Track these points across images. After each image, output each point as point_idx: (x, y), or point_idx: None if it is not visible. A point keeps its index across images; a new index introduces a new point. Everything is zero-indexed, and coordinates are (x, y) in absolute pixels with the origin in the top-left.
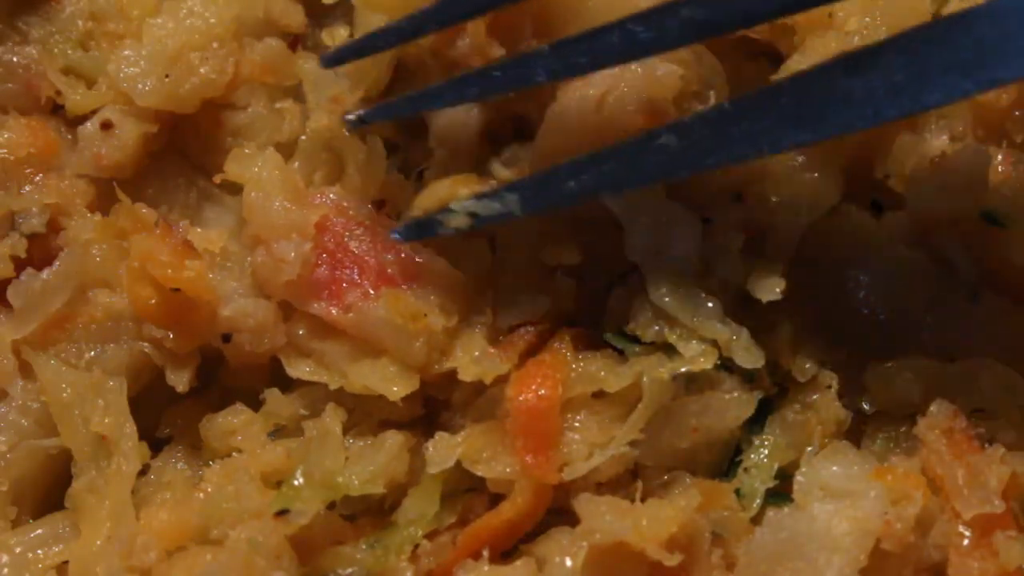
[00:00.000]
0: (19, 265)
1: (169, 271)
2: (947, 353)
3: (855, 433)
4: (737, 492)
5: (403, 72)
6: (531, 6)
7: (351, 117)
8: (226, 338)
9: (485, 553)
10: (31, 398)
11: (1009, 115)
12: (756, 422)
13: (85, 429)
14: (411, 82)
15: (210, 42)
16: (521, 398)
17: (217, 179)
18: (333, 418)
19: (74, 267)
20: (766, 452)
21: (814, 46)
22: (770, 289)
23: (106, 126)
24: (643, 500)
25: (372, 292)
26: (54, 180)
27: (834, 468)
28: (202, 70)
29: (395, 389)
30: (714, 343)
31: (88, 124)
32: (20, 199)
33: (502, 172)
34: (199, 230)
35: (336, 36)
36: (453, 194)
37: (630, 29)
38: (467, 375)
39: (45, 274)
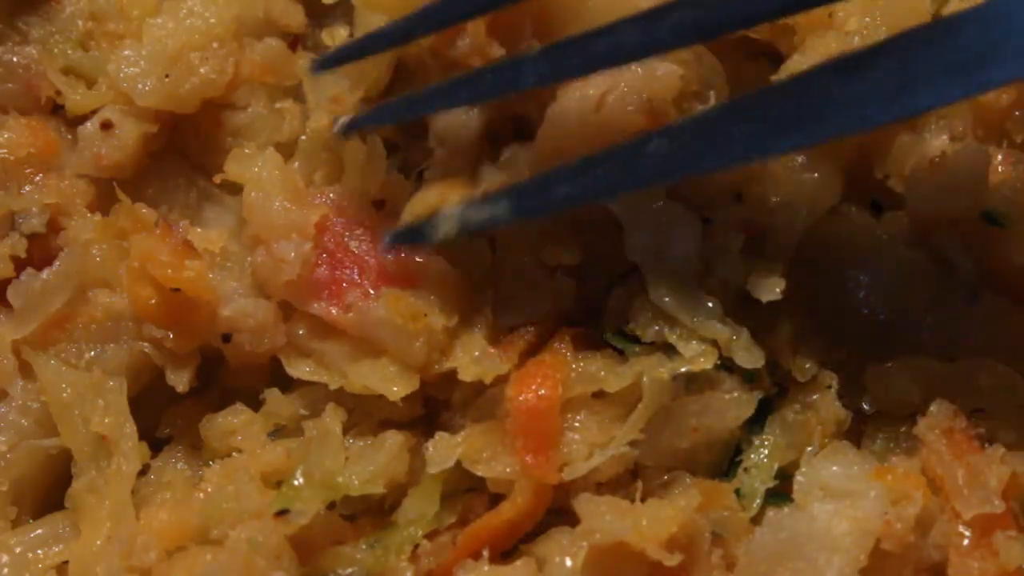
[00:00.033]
0: (19, 265)
1: (169, 271)
2: (947, 353)
3: (855, 433)
4: (737, 492)
5: (403, 72)
6: (531, 6)
7: (338, 127)
8: (226, 338)
9: (485, 553)
10: (31, 398)
11: (1009, 115)
12: (756, 422)
13: (85, 429)
14: (411, 82)
15: (210, 42)
16: (521, 398)
17: (217, 179)
18: (333, 418)
19: (74, 267)
20: (766, 452)
21: (814, 46)
22: (770, 289)
23: (106, 126)
24: (643, 500)
25: (372, 292)
26: (54, 180)
27: (834, 468)
28: (202, 70)
29: (395, 389)
30: (714, 343)
31: (88, 124)
32: (20, 199)
33: (493, 177)
34: (199, 230)
35: (336, 36)
36: (443, 200)
37: (621, 33)
38: (467, 375)
39: (45, 274)
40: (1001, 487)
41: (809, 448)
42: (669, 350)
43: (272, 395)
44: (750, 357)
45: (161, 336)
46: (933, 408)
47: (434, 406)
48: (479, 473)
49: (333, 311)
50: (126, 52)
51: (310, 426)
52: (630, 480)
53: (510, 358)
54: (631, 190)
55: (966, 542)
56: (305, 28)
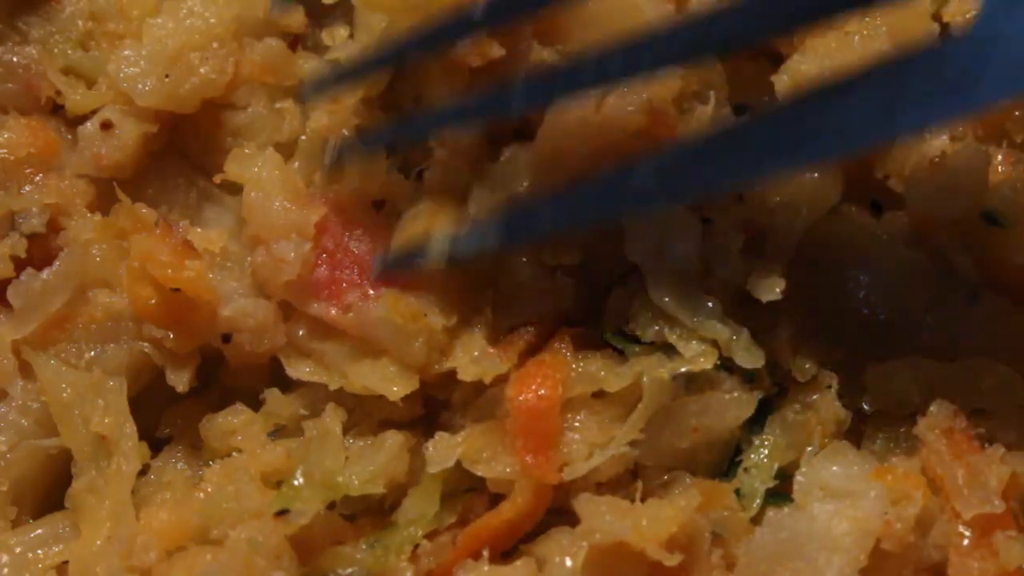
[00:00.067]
0: (19, 265)
1: (169, 271)
2: (947, 353)
3: (855, 433)
4: (737, 492)
5: (402, 72)
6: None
7: (328, 155)
8: (226, 338)
9: (485, 553)
10: (31, 398)
11: (1009, 115)
12: (756, 422)
13: (85, 429)
14: (410, 82)
15: (210, 42)
16: (521, 398)
17: (217, 179)
18: (333, 418)
19: (74, 267)
20: (766, 452)
21: (814, 46)
22: (770, 289)
23: (106, 126)
24: (643, 500)
25: (372, 292)
26: (54, 180)
27: (834, 468)
28: (202, 70)
29: (395, 389)
30: (714, 343)
31: (88, 124)
32: (20, 199)
33: (479, 203)
34: (199, 230)
35: (336, 36)
36: (433, 226)
37: (607, 56)
38: (467, 375)
39: (45, 274)
40: (1001, 487)
41: (809, 448)
42: (669, 350)
43: (272, 395)
44: (750, 357)
45: (161, 336)
46: (933, 408)
47: (434, 406)
48: (479, 473)
49: (332, 311)
50: (126, 52)
51: (310, 426)
52: (630, 480)
53: (510, 358)
54: (618, 216)
55: (966, 542)
56: (305, 28)
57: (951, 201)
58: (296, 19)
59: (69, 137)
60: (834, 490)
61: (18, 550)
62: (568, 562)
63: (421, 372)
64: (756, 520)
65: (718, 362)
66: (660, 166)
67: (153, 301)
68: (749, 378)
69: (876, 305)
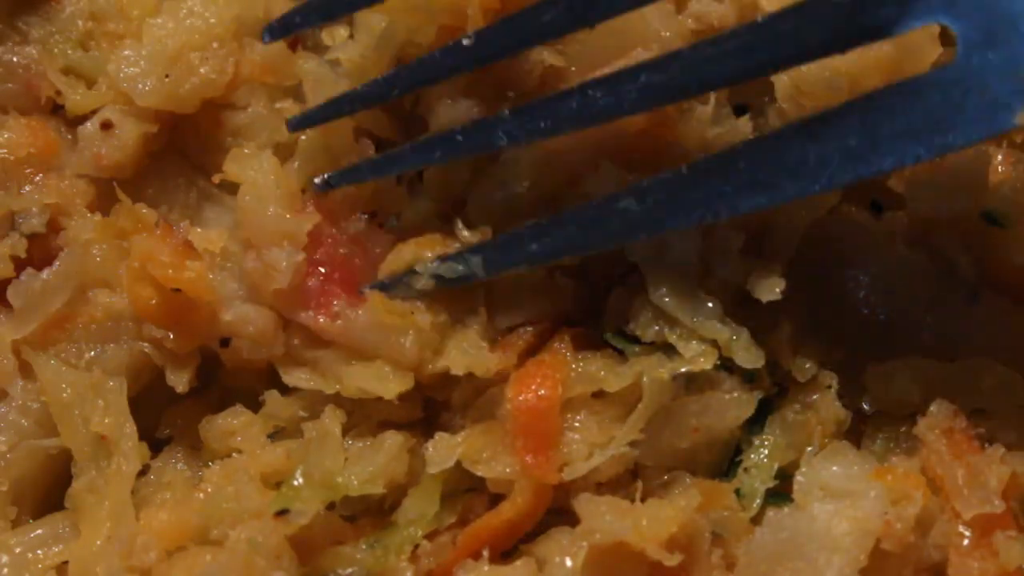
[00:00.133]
0: (19, 265)
1: (169, 271)
2: (947, 353)
3: (855, 433)
4: (737, 492)
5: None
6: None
7: (317, 181)
8: (224, 342)
9: (485, 553)
10: (31, 398)
11: None
12: (756, 422)
13: (85, 429)
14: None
15: (210, 42)
16: (521, 398)
17: (216, 179)
18: (332, 419)
19: (74, 267)
20: (766, 452)
21: None
22: (770, 289)
23: (106, 126)
24: (643, 500)
25: (359, 299)
26: (54, 180)
27: (834, 468)
28: (202, 70)
29: (391, 387)
30: (714, 343)
31: (88, 124)
32: (20, 199)
33: (466, 234)
34: (199, 230)
35: (336, 36)
36: (419, 256)
37: (590, 94)
38: (457, 368)
39: (45, 274)
40: (1001, 487)
41: (809, 448)
42: (669, 350)
43: (272, 397)
44: (750, 357)
45: (161, 336)
46: (933, 408)
47: (434, 408)
48: (479, 473)
49: (321, 320)
50: (126, 52)
51: (309, 427)
52: (630, 480)
53: (509, 358)
54: (600, 249)
55: (966, 542)
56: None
57: (951, 201)
58: None
59: (69, 137)
60: (834, 490)
61: (18, 550)
62: (568, 562)
63: (416, 371)
64: (756, 520)
65: (718, 362)
66: (642, 199)
67: (153, 301)
68: (749, 378)
69: (876, 305)
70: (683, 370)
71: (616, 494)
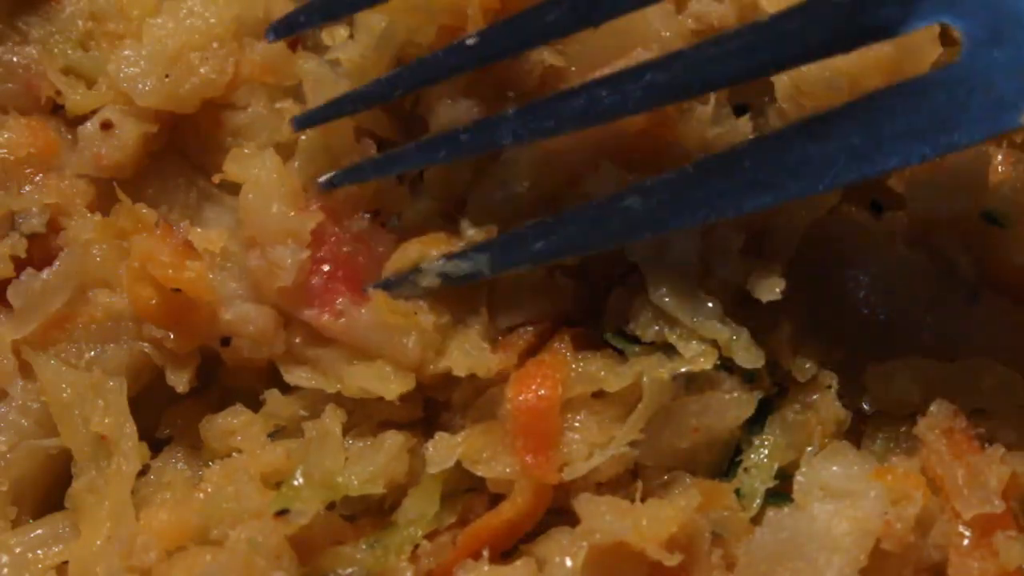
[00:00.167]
0: (19, 265)
1: (169, 271)
2: (947, 353)
3: (855, 433)
4: (737, 492)
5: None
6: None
7: (322, 180)
8: (225, 341)
9: (485, 553)
10: (31, 398)
11: None
12: (756, 422)
13: (85, 429)
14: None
15: (210, 42)
16: (521, 398)
17: (216, 179)
18: (333, 419)
19: (74, 267)
20: (766, 452)
21: None
22: (770, 289)
23: (106, 126)
24: (643, 500)
25: (363, 299)
26: (54, 180)
27: (834, 468)
28: (202, 70)
29: (392, 387)
30: (714, 343)
31: (88, 124)
32: (20, 199)
33: (471, 232)
34: (199, 230)
35: (336, 36)
36: (424, 255)
37: (595, 93)
38: (460, 369)
39: (45, 274)
40: (1001, 487)
41: (809, 448)
42: (669, 350)
43: (272, 396)
44: (750, 357)
45: (161, 336)
46: (933, 408)
47: (434, 407)
48: (479, 473)
49: (324, 318)
50: (126, 52)
51: (310, 427)
52: (630, 480)
53: (510, 358)
54: (605, 247)
55: (966, 542)
56: None
57: (951, 201)
58: None
59: (69, 137)
60: (834, 490)
61: (18, 550)
62: (568, 562)
63: (417, 371)
64: (756, 520)
65: (718, 362)
66: (647, 198)
67: (153, 301)
68: (749, 378)
69: (876, 305)
70: (683, 370)
71: (616, 494)
